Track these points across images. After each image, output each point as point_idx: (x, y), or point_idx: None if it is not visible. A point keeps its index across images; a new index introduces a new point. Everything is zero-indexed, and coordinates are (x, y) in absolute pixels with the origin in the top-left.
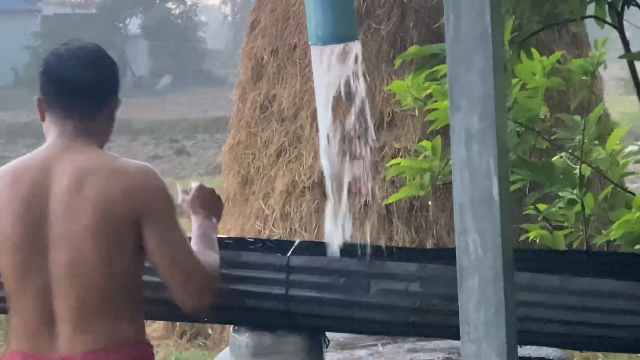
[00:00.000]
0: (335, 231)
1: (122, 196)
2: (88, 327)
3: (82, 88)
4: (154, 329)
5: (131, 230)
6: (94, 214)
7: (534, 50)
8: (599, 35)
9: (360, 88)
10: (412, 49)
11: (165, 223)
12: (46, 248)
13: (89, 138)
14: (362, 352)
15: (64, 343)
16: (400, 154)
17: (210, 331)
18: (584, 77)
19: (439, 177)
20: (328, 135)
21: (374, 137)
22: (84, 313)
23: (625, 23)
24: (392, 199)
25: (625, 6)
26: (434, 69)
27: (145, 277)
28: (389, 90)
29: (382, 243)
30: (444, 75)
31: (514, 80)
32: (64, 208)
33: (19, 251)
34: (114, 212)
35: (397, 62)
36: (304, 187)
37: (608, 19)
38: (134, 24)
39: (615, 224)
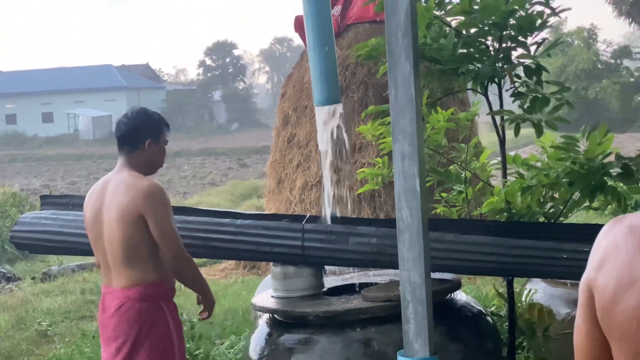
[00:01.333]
0: (329, 209)
1: (132, 200)
2: (123, 273)
3: (122, 134)
4: (229, 263)
5: (139, 221)
6: (118, 210)
7: (439, 108)
8: (476, 98)
9: (341, 129)
10: (370, 108)
11: (159, 219)
12: (102, 229)
13: (131, 166)
14: (345, 276)
15: (113, 281)
16: (365, 165)
17: (260, 265)
18: (467, 122)
19: (387, 178)
20: (324, 156)
21: (351, 156)
22: (120, 265)
23: (490, 93)
24: (360, 190)
25: (489, 84)
26: (384, 119)
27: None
28: (359, 131)
29: (355, 216)
30: (389, 123)
31: (428, 126)
32: (107, 206)
33: (91, 230)
34: (127, 210)
35: (362, 115)
36: (312, 185)
37: (479, 90)
38: (217, 95)
39: (484, 203)
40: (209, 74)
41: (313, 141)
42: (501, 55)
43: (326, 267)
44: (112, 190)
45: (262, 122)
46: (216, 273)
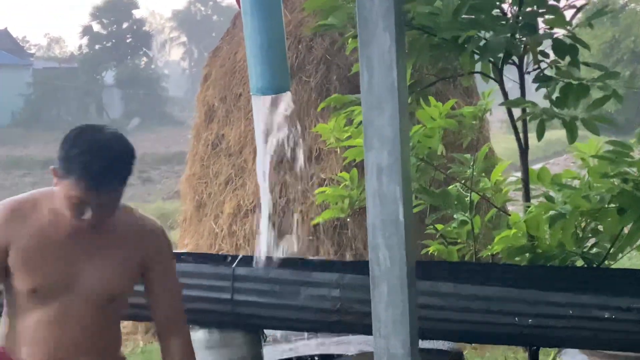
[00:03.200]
0: (270, 246)
1: None
2: None
3: None
4: (124, 325)
5: None
6: None
7: (431, 98)
8: (487, 87)
9: (291, 129)
10: (333, 97)
11: None
12: None
13: None
14: (294, 345)
15: None
16: (325, 183)
17: None
18: (474, 122)
19: (356, 202)
20: (264, 172)
21: (305, 169)
22: None
23: (506, 78)
24: (318, 219)
25: (504, 64)
26: (350, 108)
27: None
28: (316, 132)
29: (310, 256)
30: (359, 114)
31: (417, 127)
32: None
33: None
34: None
35: (321, 106)
36: (247, 210)
37: (492, 75)
38: (109, 76)
39: (496, 239)
40: (97, 46)
41: (249, 146)
42: (522, 22)
43: (267, 331)
44: None
45: (174, 117)
46: None
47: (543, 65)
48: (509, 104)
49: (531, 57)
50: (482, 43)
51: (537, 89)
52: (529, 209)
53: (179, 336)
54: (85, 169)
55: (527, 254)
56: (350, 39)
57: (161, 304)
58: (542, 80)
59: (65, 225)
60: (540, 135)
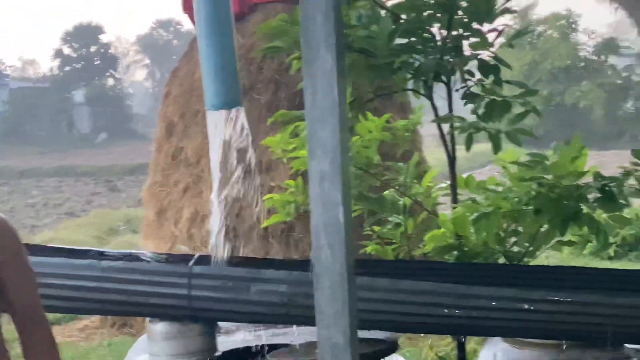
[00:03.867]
0: (222, 247)
1: None
2: None
3: None
4: (92, 320)
5: None
6: None
7: (368, 113)
8: (420, 102)
9: (243, 141)
10: (279, 113)
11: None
12: None
13: None
14: (244, 336)
15: None
16: (274, 190)
17: (133, 322)
18: (406, 134)
19: (302, 207)
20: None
21: (256, 177)
22: None
23: (436, 95)
24: (267, 223)
25: (434, 83)
26: (296, 123)
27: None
28: (265, 144)
29: (261, 255)
30: (304, 128)
31: (356, 138)
32: None
33: None
34: None
35: (270, 121)
36: (204, 215)
37: (422, 92)
38: (79, 95)
39: (427, 238)
40: (67, 68)
41: (206, 158)
42: (449, 45)
43: (220, 323)
44: None
45: (139, 132)
46: (74, 333)
47: (470, 83)
48: (439, 120)
49: (459, 76)
50: (415, 64)
51: (465, 105)
52: (455, 210)
53: (40, 328)
54: None
55: (455, 252)
56: (295, 60)
57: (18, 298)
58: (469, 97)
59: None
60: (468, 146)
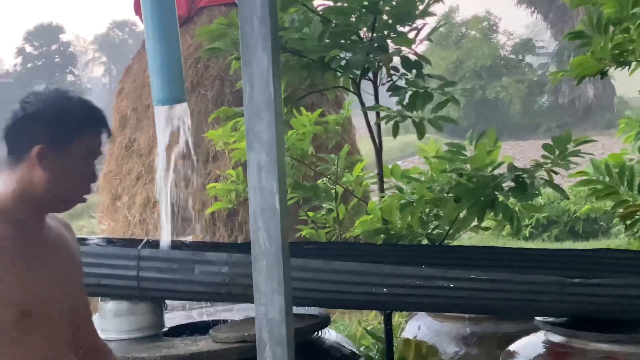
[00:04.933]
0: (170, 231)
1: None
2: None
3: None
4: None
5: None
6: None
7: (302, 109)
8: (353, 97)
9: (188, 133)
10: (221, 110)
11: None
12: None
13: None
14: (190, 313)
15: None
16: (220, 178)
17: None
18: (337, 127)
19: (242, 195)
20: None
21: (201, 167)
22: None
23: (364, 91)
24: (210, 209)
25: (362, 79)
26: (237, 119)
27: None
28: (208, 137)
29: (208, 238)
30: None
31: (291, 132)
32: None
33: None
34: None
35: (211, 117)
36: (155, 202)
37: (351, 89)
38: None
39: (357, 223)
40: (29, 65)
41: (156, 148)
42: (375, 44)
43: (167, 302)
44: None
45: None
46: None
47: (395, 77)
48: (368, 109)
49: (384, 72)
50: (343, 62)
51: (390, 96)
52: (383, 199)
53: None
54: (98, 113)
55: (382, 235)
56: (234, 60)
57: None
58: (394, 89)
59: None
60: (395, 134)
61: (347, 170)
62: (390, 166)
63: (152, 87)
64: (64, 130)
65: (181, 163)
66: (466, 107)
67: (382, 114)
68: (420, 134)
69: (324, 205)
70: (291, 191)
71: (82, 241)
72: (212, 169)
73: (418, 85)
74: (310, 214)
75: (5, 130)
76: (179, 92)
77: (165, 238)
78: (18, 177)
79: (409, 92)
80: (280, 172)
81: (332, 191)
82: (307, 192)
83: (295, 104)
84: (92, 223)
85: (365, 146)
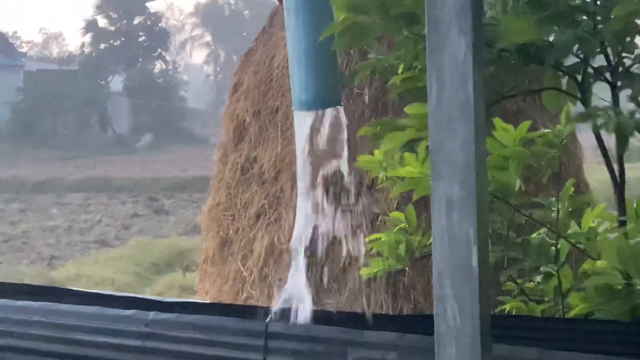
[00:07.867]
0: (308, 294)
1: None
2: None
3: None
4: None
5: None
6: None
7: (497, 120)
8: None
9: (342, 153)
10: (381, 122)
11: None
12: None
13: None
14: None
15: None
16: (379, 218)
17: None
18: (551, 149)
19: (418, 249)
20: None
21: (353, 201)
22: None
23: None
24: (364, 272)
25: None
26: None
27: None
28: (361, 165)
29: (360, 308)
30: (427, 146)
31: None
32: None
33: None
34: None
35: (360, 132)
36: (283, 250)
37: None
38: (116, 82)
39: (587, 282)
40: (102, 45)
41: (287, 172)
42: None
43: None
44: None
45: (194, 133)
46: None
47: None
48: (579, 120)
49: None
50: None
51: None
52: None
53: None
54: None
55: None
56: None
57: None
58: (625, 77)
59: None
60: (621, 149)
61: (569, 211)
62: (635, 205)
63: (292, 83)
64: None
65: (332, 195)
66: None
67: (601, 120)
68: None
69: (542, 269)
70: (490, 246)
71: (182, 309)
72: (367, 204)
73: None
74: (520, 281)
75: None
76: (332, 91)
77: (303, 306)
78: None
79: None
80: (481, 212)
81: (552, 248)
82: (515, 249)
83: (497, 111)
84: (189, 278)
85: (590, 176)
